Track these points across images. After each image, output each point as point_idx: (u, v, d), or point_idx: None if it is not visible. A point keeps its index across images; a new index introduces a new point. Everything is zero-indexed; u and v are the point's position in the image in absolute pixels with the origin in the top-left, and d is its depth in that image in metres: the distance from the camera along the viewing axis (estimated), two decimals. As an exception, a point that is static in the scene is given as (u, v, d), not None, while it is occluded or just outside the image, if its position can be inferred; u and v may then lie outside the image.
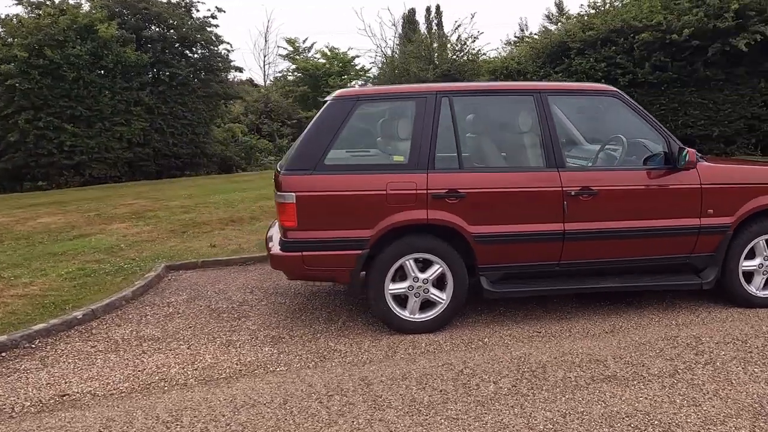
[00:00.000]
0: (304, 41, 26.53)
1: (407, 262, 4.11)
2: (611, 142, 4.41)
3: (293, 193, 3.97)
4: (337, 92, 4.16)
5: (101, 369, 3.77)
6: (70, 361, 3.91)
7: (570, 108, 4.19)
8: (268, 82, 31.37)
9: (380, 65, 24.13)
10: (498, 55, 22.20)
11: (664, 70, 16.49)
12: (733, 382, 3.28)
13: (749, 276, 4.44)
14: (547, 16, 32.18)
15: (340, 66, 25.02)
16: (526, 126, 4.24)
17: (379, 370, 3.59)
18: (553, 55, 18.45)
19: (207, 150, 19.54)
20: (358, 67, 25.45)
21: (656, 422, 2.87)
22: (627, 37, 16.75)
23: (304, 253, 4.02)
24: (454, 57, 21.75)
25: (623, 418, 2.92)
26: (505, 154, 4.27)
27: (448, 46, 21.98)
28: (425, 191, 4.02)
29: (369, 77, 25.27)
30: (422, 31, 50.99)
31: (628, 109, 4.39)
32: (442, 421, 2.96)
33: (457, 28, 22.24)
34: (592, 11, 18.90)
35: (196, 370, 3.73)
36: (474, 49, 22.70)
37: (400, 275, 4.14)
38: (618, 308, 4.56)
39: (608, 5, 19.12)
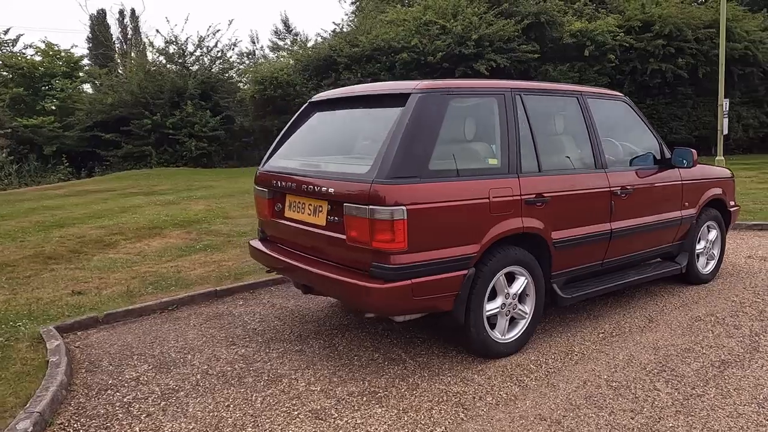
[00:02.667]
0: (5, 32, 21.05)
1: (501, 278, 3.65)
2: (630, 144, 4.69)
3: (403, 207, 3.12)
4: (423, 85, 3.42)
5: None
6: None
7: (595, 110, 4.30)
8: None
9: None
10: (256, 65, 21.50)
11: (420, 88, 18.34)
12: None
13: (697, 257, 5.25)
14: (275, 32, 32.59)
15: (69, 66, 20.81)
16: (578, 127, 4.19)
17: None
18: (320, 68, 18.79)
19: None
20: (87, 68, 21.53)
21: None
22: (389, 56, 18.10)
23: (414, 280, 3.20)
24: (212, 68, 20.42)
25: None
26: (568, 155, 4.15)
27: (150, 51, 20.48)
28: (519, 197, 3.63)
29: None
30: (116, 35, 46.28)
31: (632, 113, 4.76)
32: None
33: (214, 34, 20.81)
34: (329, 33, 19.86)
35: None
36: (231, 58, 21.66)
37: (490, 294, 3.64)
38: (608, 303, 4.83)
39: (342, 27, 20.44)
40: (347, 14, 32.22)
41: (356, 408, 3.11)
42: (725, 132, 14.68)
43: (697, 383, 3.32)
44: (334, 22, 23.67)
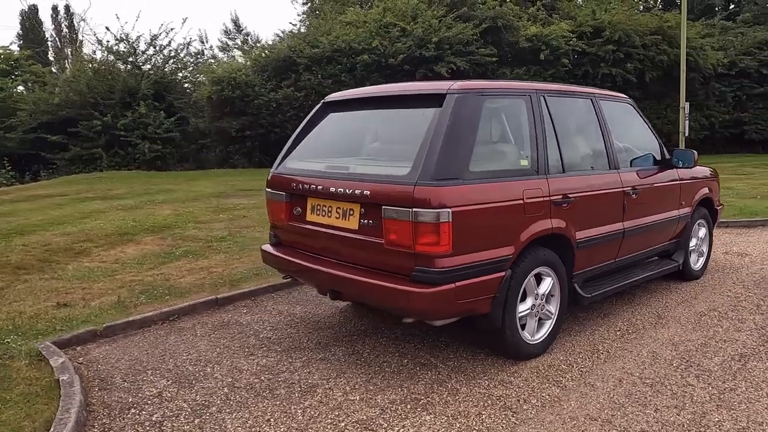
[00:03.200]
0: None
1: (531, 279, 3.65)
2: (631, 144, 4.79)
3: (448, 210, 3.05)
4: (458, 85, 3.35)
5: None
6: None
7: (606, 111, 4.37)
8: None
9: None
10: (212, 65, 20.93)
11: (381, 90, 18.34)
12: None
13: (690, 254, 5.44)
14: (225, 32, 31.90)
15: (8, 64, 19.56)
16: (593, 128, 4.24)
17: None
18: (279, 69, 18.48)
19: None
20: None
21: None
22: (349, 58, 18.00)
23: (457, 284, 3.14)
24: (165, 68, 19.72)
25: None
26: (586, 156, 4.18)
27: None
28: (548, 198, 3.65)
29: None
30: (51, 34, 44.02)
31: (637, 114, 4.88)
32: None
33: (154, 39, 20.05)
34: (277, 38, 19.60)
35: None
36: (184, 58, 21.01)
37: (521, 295, 3.63)
38: (614, 302, 4.90)
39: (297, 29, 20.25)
40: (299, 14, 31.86)
41: (403, 416, 3.03)
42: (686, 133, 15.46)
43: (726, 377, 3.42)
44: (291, 23, 23.42)
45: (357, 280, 3.35)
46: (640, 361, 3.66)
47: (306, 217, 3.82)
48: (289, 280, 4.33)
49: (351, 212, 3.47)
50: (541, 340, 3.75)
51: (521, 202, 3.44)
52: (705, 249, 5.60)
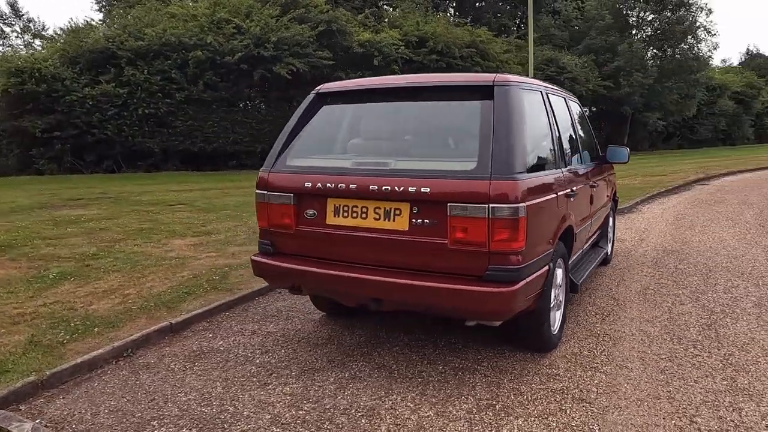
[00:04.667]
0: None
1: (557, 272, 3.70)
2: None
3: (524, 204, 2.93)
4: (501, 78, 3.20)
5: None
6: None
7: (572, 109, 4.60)
8: None
9: None
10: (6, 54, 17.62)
11: (216, 90, 17.27)
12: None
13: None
14: (0, 16, 27.25)
15: None
16: (570, 125, 4.43)
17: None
18: (95, 62, 16.30)
19: None
20: None
21: None
22: (180, 53, 16.61)
23: (526, 281, 3.03)
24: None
25: None
26: (574, 151, 4.31)
27: None
28: (567, 190, 3.75)
29: None
30: None
31: (584, 114, 5.26)
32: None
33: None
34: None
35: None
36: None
37: (544, 288, 3.65)
38: None
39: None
40: (96, 1, 28.33)
41: (495, 425, 2.86)
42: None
43: (714, 344, 3.87)
44: (101, 10, 20.58)
45: (413, 285, 3.06)
46: (640, 340, 3.96)
47: (326, 221, 3.39)
48: (301, 293, 3.76)
49: (397, 212, 3.17)
50: (557, 330, 3.85)
51: (556, 195, 3.49)
52: (611, 235, 6.29)
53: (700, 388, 3.22)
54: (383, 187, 3.13)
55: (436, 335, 4.00)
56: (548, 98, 3.89)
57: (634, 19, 29.26)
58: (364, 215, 3.25)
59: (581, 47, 28.43)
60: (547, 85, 4.18)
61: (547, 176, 3.42)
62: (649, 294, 5.01)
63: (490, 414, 2.95)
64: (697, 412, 2.96)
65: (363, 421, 2.90)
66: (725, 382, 3.29)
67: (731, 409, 2.99)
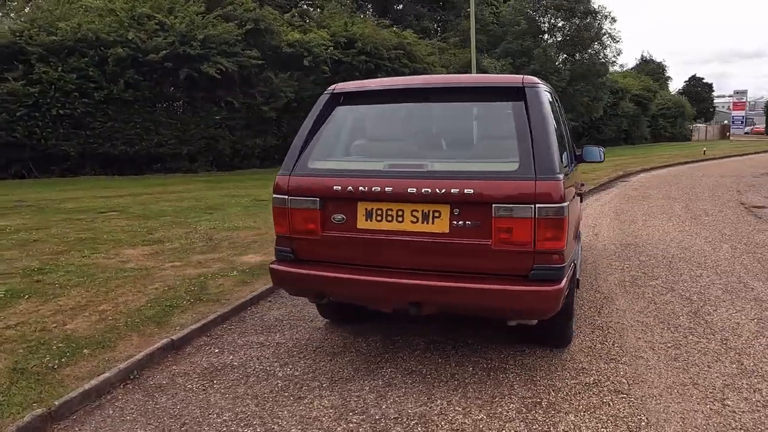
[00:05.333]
0: None
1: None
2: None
3: (567, 204, 2.98)
4: (528, 79, 3.20)
5: None
6: None
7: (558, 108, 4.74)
8: None
9: None
10: None
11: (138, 89, 16.34)
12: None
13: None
14: None
15: None
16: (564, 124, 4.54)
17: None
18: (0, 57, 14.91)
19: None
20: None
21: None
22: (98, 50, 15.57)
23: (567, 278, 3.09)
24: None
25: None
26: (567, 151, 4.41)
27: None
28: (577, 190, 3.87)
29: None
30: None
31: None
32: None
33: None
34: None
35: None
36: None
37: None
38: None
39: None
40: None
41: (545, 422, 2.89)
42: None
43: (707, 329, 4.13)
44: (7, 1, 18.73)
45: (457, 288, 3.04)
46: (641, 330, 4.15)
47: (357, 225, 3.28)
48: (324, 301, 3.59)
49: (437, 214, 3.13)
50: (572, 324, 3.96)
51: (574, 194, 3.59)
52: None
53: (716, 373, 3.42)
54: (423, 190, 3.07)
55: (451, 337, 4.00)
56: (554, 98, 4.00)
57: (546, 25, 30.79)
58: (400, 219, 3.18)
59: (499, 51, 29.54)
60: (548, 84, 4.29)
61: (570, 176, 3.51)
62: (628, 286, 5.27)
63: (540, 412, 2.98)
64: (724, 395, 3.14)
65: (419, 429, 2.84)
66: (734, 366, 3.52)
67: (752, 390, 3.20)
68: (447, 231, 3.10)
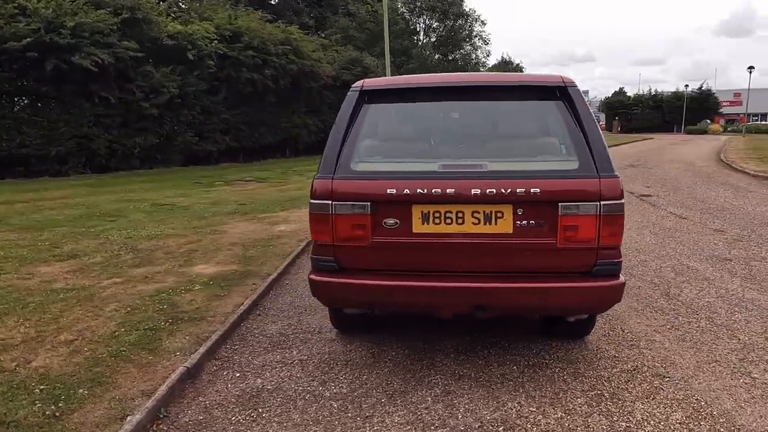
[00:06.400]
0: None
1: None
2: None
3: (624, 201, 3.07)
4: (566, 77, 3.21)
5: None
6: None
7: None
8: None
9: None
10: None
11: (-6, 82, 14.32)
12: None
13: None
14: None
15: None
16: None
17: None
18: None
19: None
20: None
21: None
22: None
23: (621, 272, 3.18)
24: None
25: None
26: None
27: None
28: None
29: None
30: None
31: None
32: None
33: None
34: None
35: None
36: None
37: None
38: None
39: None
40: None
41: (623, 412, 2.97)
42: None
43: (689, 311, 4.52)
44: None
45: (525, 288, 3.01)
46: (636, 315, 4.41)
47: (412, 229, 3.12)
48: (366, 311, 3.34)
49: (499, 215, 3.06)
50: (588, 315, 4.10)
51: None
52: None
53: (725, 349, 3.74)
54: (487, 190, 2.99)
55: (476, 336, 3.96)
56: None
57: (421, 26, 31.85)
58: (460, 221, 3.07)
59: (378, 49, 29.98)
60: None
61: None
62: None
63: (609, 403, 3.05)
64: (746, 369, 3.44)
65: (502, 430, 2.77)
66: (733, 341, 3.88)
67: (765, 361, 3.54)
68: (511, 231, 3.05)
